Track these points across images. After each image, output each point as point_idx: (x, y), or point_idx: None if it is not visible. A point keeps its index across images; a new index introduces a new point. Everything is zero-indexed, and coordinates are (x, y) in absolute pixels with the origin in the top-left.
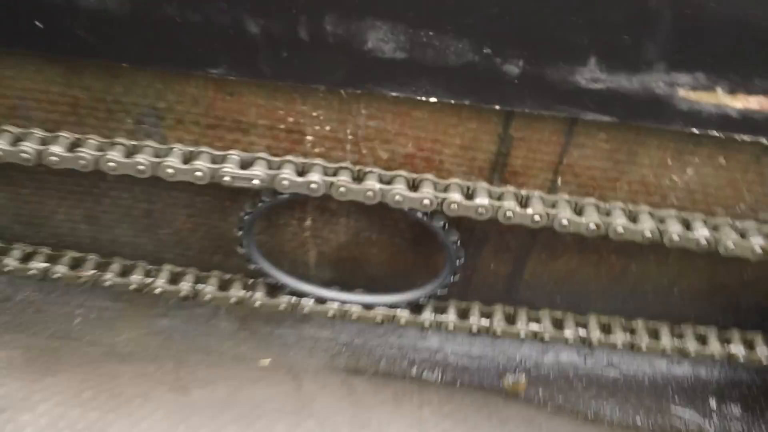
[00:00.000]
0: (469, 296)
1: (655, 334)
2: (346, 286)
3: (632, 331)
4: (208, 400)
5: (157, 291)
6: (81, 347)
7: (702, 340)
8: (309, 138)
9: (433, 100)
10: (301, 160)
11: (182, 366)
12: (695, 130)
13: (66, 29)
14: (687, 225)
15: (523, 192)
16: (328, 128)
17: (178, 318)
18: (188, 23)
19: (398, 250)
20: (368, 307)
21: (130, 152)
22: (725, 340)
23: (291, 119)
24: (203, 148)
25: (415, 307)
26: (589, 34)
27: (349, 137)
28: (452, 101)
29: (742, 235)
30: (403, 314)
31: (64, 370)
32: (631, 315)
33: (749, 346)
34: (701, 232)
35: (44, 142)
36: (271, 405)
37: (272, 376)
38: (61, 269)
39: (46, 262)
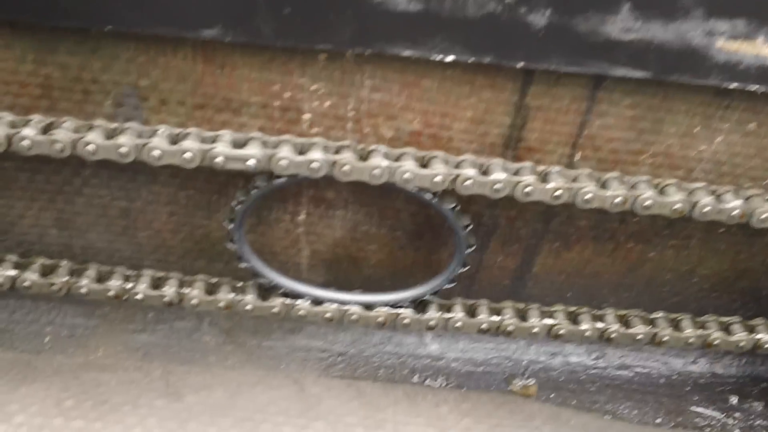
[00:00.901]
0: (474, 295)
1: (676, 326)
2: (342, 288)
3: (653, 323)
4: (204, 405)
5: (138, 297)
6: (55, 359)
7: (726, 330)
8: (306, 116)
9: (450, 58)
10: (299, 139)
11: (171, 373)
12: (732, 85)
13: None
14: (717, 197)
15: (541, 168)
16: (327, 104)
17: (157, 333)
18: None
19: (398, 246)
20: (369, 307)
21: (111, 135)
22: (750, 329)
23: (287, 95)
24: (192, 129)
25: (420, 306)
26: None
27: (351, 113)
28: (471, 59)
29: None
30: (407, 313)
31: (40, 380)
32: (647, 308)
33: None
34: (734, 203)
35: (14, 125)
36: (274, 408)
37: (270, 380)
38: (30, 277)
39: (13, 269)
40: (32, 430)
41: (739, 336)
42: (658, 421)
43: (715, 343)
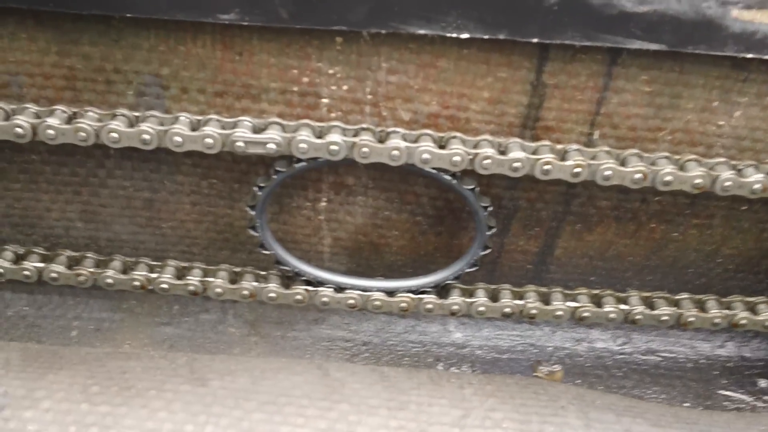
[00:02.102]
0: (496, 280)
1: (702, 307)
2: (365, 276)
3: (678, 305)
4: (229, 390)
5: (163, 286)
6: (82, 349)
7: (753, 310)
8: (325, 101)
9: (465, 36)
10: (318, 124)
11: (196, 360)
12: (749, 55)
13: None
14: (738, 171)
15: (560, 146)
16: (345, 88)
17: (183, 325)
18: None
19: (420, 231)
20: (391, 293)
21: (133, 123)
22: None
23: (305, 79)
24: (212, 116)
25: (442, 291)
26: None
27: (368, 97)
28: (485, 36)
29: None
30: (430, 299)
31: (67, 368)
32: (672, 291)
33: None
34: (756, 177)
35: (39, 116)
36: (298, 392)
37: (295, 366)
38: (57, 269)
39: (40, 262)
40: (59, 415)
41: (766, 315)
42: (686, 405)
43: (742, 323)
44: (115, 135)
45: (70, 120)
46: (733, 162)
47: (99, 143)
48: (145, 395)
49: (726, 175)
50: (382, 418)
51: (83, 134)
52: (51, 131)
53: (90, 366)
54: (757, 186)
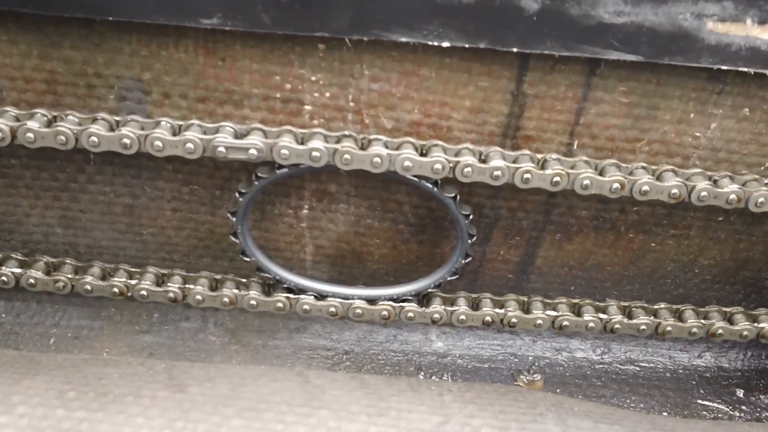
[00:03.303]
0: (477, 289)
1: (679, 317)
2: (347, 284)
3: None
4: (208, 396)
5: (142, 293)
6: (59, 355)
7: (729, 320)
8: (307, 108)
9: (445, 44)
10: (301, 130)
11: (175, 367)
12: (724, 67)
13: None
14: (714, 182)
15: (539, 156)
16: (328, 95)
17: (163, 334)
18: None
19: (402, 239)
20: (372, 302)
21: (114, 127)
22: (753, 319)
23: (288, 86)
24: (194, 121)
25: (424, 300)
26: None
27: (351, 104)
28: (466, 45)
29: None
30: (411, 307)
31: (43, 374)
32: (650, 301)
33: None
34: (730, 188)
35: (18, 119)
36: (277, 398)
37: (275, 373)
38: (35, 275)
39: (18, 268)
40: (34, 420)
41: (743, 325)
42: (665, 414)
43: (719, 333)
44: (95, 139)
45: (50, 124)
46: (709, 173)
47: (79, 148)
48: (122, 401)
49: (702, 185)
50: (361, 424)
51: (63, 138)
52: (30, 134)
53: (67, 372)
54: (732, 197)
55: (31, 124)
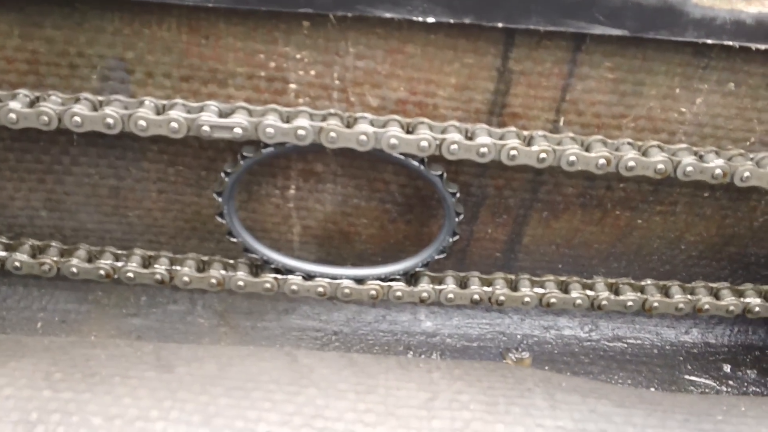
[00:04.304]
0: (465, 268)
1: (666, 293)
2: (335, 264)
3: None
4: (196, 376)
5: (129, 275)
6: (46, 338)
7: (716, 296)
8: (292, 86)
9: (430, 20)
10: (285, 108)
11: (162, 349)
12: (709, 41)
13: None
14: (700, 157)
15: (526, 133)
16: (313, 73)
17: (151, 317)
18: None
19: (389, 219)
20: (360, 281)
21: (97, 107)
22: (739, 294)
23: (273, 64)
24: (178, 100)
25: (412, 279)
26: None
27: (336, 83)
28: (451, 20)
29: (758, 164)
30: (399, 286)
31: (29, 356)
32: (637, 278)
33: (765, 298)
34: (716, 163)
35: (0, 100)
36: (266, 377)
37: (263, 353)
38: (20, 258)
39: (3, 251)
40: (20, 402)
41: (729, 301)
42: (652, 390)
43: (705, 308)
44: (78, 119)
45: (32, 104)
46: (695, 148)
47: (63, 128)
48: (109, 382)
49: (688, 160)
50: (349, 401)
51: (46, 118)
52: (13, 115)
53: (53, 354)
54: (717, 171)
55: (14, 104)
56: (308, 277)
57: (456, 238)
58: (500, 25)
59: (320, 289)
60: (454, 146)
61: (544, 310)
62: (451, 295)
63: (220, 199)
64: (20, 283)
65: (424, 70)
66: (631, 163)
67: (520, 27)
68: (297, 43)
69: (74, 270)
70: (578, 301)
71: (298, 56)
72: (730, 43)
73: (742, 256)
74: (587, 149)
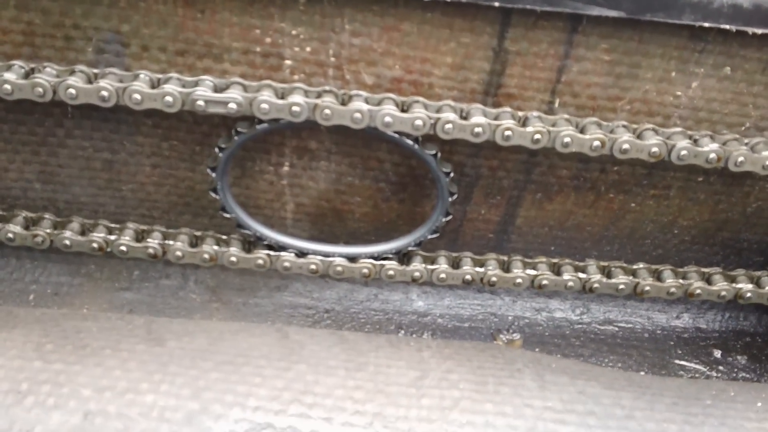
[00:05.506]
0: (458, 248)
1: (658, 277)
2: (328, 242)
3: (634, 274)
4: (186, 350)
5: (122, 249)
6: (37, 310)
7: (708, 281)
8: (288, 62)
9: None
10: (280, 84)
11: (154, 322)
12: (705, 24)
13: None
14: (694, 141)
15: (521, 113)
16: (308, 49)
17: (143, 291)
18: None
19: (382, 198)
20: (353, 259)
21: (92, 79)
22: (731, 280)
23: (268, 40)
24: (173, 74)
25: (404, 258)
26: None
27: (332, 60)
28: None
29: (752, 149)
30: (392, 265)
31: (21, 327)
32: (630, 262)
33: (757, 284)
34: (711, 147)
35: None
36: (256, 352)
37: (254, 329)
38: (13, 229)
39: None
40: (11, 372)
41: (720, 286)
42: (642, 373)
43: (697, 293)
44: (72, 91)
45: (27, 75)
46: (690, 132)
47: (57, 100)
48: (100, 354)
49: (682, 144)
50: (339, 378)
51: (40, 90)
52: (7, 86)
53: (45, 325)
54: (712, 156)
55: (8, 75)
56: (301, 254)
57: (449, 218)
58: (497, 4)
59: (313, 267)
60: (449, 125)
61: (535, 291)
62: (443, 275)
63: (213, 175)
64: (13, 255)
65: (420, 48)
66: (626, 146)
67: (516, 6)
68: (293, 19)
69: (67, 243)
70: (570, 284)
71: (293, 32)
72: (727, 26)
73: (734, 242)
74: (582, 131)
